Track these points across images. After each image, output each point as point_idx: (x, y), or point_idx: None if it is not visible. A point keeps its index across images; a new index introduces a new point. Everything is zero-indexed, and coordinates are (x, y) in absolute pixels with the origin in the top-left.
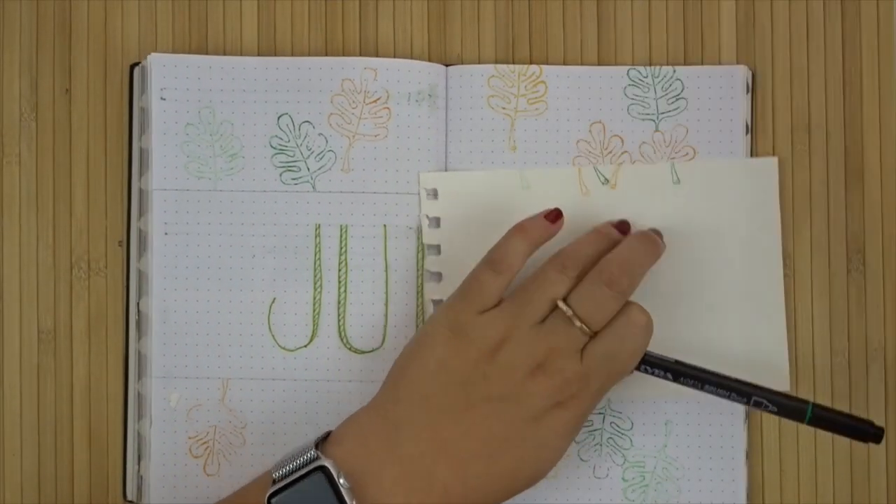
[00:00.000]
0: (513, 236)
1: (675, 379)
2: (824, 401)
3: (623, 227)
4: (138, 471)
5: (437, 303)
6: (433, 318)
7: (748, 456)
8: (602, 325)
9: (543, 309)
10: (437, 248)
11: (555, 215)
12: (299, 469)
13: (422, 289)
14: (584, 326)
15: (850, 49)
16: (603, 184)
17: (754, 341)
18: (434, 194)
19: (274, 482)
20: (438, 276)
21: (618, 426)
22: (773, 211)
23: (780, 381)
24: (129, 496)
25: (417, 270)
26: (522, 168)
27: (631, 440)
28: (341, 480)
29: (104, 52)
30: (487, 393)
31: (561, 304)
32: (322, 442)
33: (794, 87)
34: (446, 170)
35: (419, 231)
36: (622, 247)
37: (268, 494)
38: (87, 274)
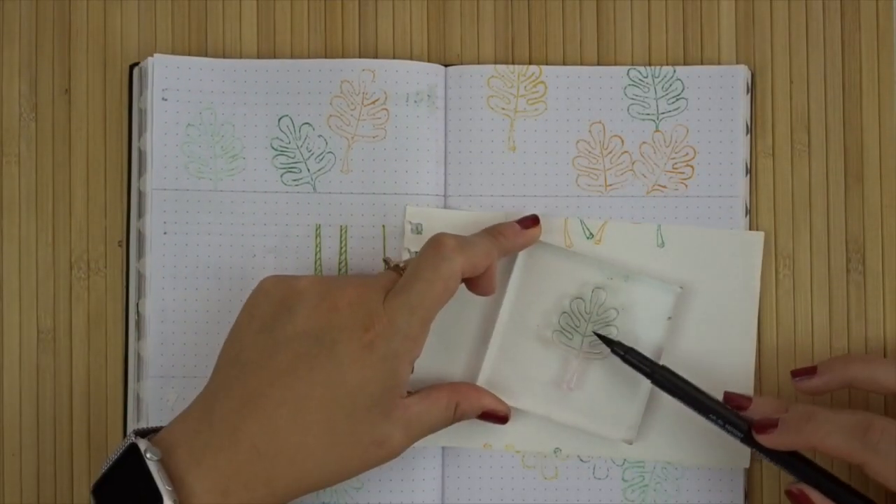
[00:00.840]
0: (483, 237)
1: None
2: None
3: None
4: None
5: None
6: None
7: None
8: None
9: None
10: None
11: (530, 221)
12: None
13: None
14: (397, 265)
15: (849, 49)
16: (587, 238)
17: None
18: (419, 229)
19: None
20: None
21: None
22: (753, 286)
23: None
24: None
25: None
26: (510, 211)
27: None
28: (148, 454)
29: (104, 53)
30: (293, 331)
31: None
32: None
33: (793, 87)
34: (446, 171)
35: (418, 229)
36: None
37: (91, 487)
38: (86, 274)
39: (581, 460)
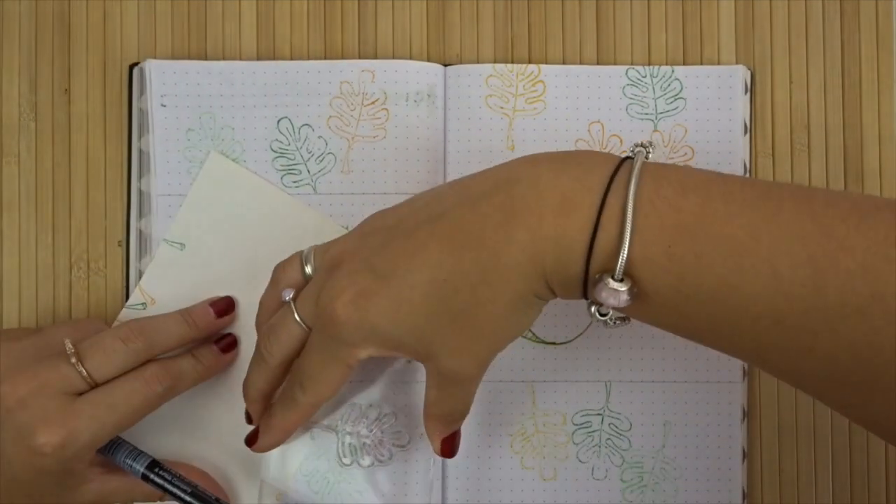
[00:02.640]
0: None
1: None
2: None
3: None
4: None
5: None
6: None
7: (746, 456)
8: (106, 377)
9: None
10: None
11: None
12: None
13: None
14: (83, 371)
15: (849, 49)
16: None
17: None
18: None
19: None
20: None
21: (616, 427)
22: None
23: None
24: None
25: None
26: None
27: (629, 441)
28: None
29: (104, 53)
30: None
31: (68, 346)
32: None
33: (793, 87)
34: (445, 170)
35: None
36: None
37: None
38: (86, 274)
39: (580, 461)
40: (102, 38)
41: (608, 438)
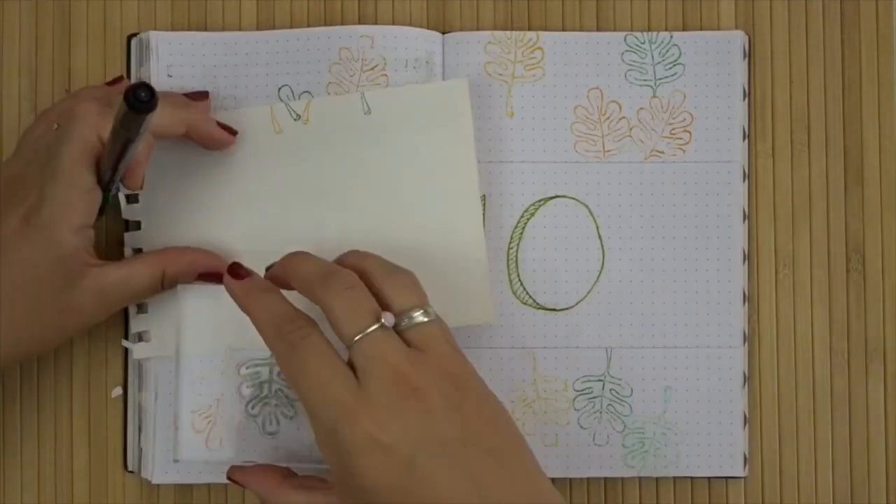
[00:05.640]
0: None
1: None
2: (824, 401)
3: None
4: (138, 442)
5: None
6: None
7: (747, 421)
8: None
9: None
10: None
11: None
12: None
13: None
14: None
15: (849, 49)
16: (295, 120)
17: (453, 243)
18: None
19: None
20: (138, 225)
21: (617, 393)
22: (466, 129)
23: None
24: (130, 467)
25: None
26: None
27: (630, 407)
28: None
29: (104, 53)
30: None
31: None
32: None
33: (793, 86)
34: None
35: None
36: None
37: None
38: None
39: (581, 427)
40: (103, 39)
41: (609, 404)
